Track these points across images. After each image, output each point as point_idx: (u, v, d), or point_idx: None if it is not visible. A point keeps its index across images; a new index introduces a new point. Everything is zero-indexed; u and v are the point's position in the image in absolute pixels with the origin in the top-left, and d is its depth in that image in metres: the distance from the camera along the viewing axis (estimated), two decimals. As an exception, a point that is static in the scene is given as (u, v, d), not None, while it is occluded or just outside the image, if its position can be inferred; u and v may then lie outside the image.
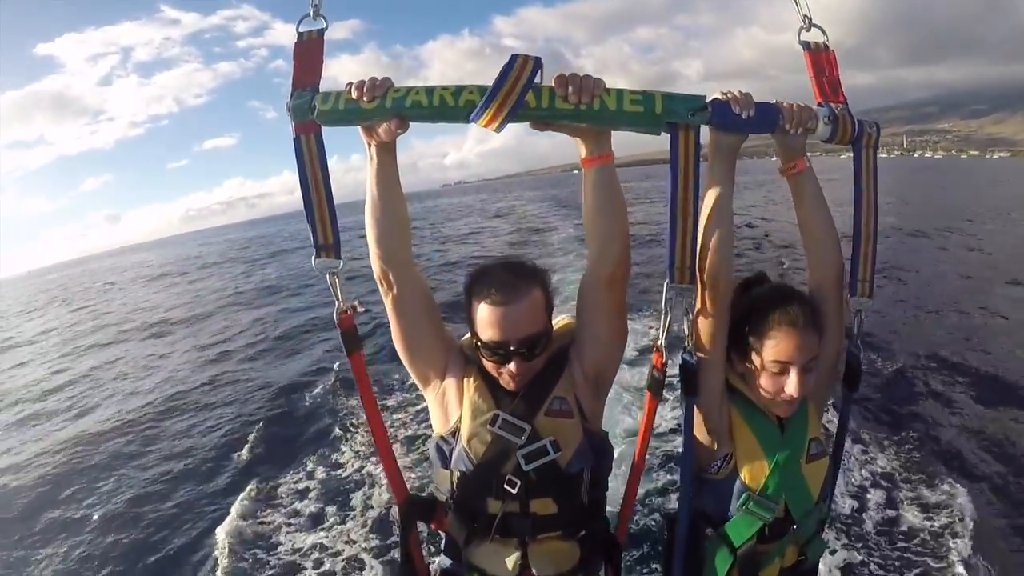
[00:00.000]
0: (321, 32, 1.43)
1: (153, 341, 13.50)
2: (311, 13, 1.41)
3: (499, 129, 1.27)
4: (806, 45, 1.55)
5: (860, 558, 3.86)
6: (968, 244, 16.22)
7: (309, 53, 1.42)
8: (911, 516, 4.28)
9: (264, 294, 17.89)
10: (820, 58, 1.54)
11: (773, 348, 1.46)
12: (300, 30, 1.42)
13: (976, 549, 3.85)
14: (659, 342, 1.49)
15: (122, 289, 29.31)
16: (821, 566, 1.81)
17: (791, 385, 1.46)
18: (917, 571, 3.76)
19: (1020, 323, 8.84)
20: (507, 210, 39.53)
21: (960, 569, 3.71)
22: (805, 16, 1.52)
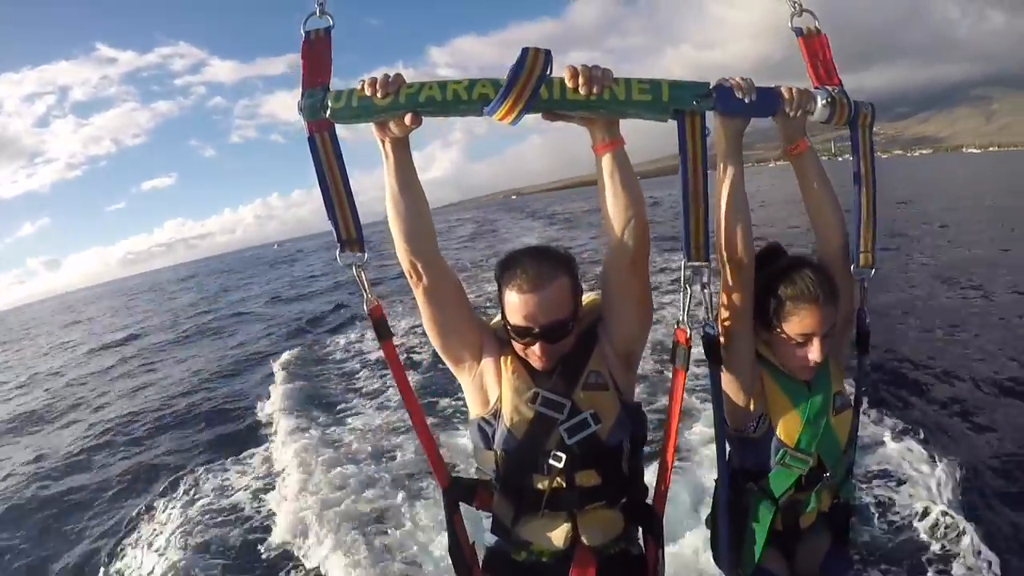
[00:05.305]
0: (328, 30, 1.40)
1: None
2: (316, 11, 1.37)
3: (514, 122, 1.27)
4: (799, 31, 1.57)
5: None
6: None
7: (317, 52, 1.38)
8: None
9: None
10: (813, 43, 1.57)
11: (797, 323, 1.55)
12: (306, 29, 1.38)
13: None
14: (681, 318, 1.49)
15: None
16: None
17: (814, 352, 1.55)
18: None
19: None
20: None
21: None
22: (796, 3, 1.54)
